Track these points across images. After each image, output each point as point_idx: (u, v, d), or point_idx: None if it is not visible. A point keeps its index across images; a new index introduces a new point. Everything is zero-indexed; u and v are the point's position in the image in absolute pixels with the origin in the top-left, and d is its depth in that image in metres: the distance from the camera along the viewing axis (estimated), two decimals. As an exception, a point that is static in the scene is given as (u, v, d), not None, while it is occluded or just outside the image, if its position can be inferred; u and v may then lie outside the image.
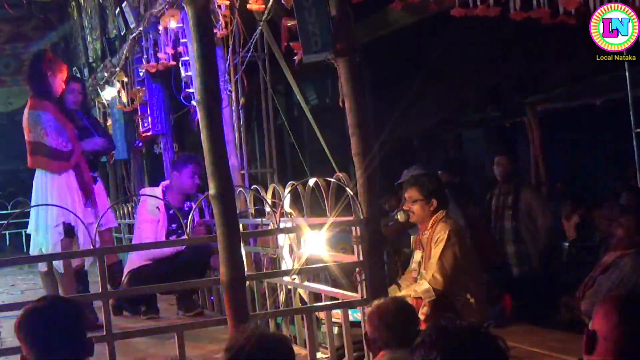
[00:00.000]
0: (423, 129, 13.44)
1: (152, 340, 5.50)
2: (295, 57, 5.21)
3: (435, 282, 5.48)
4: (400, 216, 6.02)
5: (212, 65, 4.13)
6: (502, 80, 11.81)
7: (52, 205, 6.27)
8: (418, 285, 5.57)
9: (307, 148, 11.03)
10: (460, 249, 5.60)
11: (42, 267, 6.61)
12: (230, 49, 7.33)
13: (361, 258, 4.76)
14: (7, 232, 15.42)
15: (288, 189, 5.32)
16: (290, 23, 5.03)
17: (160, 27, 7.69)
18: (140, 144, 10.35)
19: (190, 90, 7.41)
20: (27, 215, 7.13)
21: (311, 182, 5.07)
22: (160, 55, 7.85)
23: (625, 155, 9.59)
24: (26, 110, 6.68)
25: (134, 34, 8.79)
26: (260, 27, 6.94)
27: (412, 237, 6.28)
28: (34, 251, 6.61)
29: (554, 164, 11.03)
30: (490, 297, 6.18)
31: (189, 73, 7.36)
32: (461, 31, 9.80)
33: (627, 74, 6.95)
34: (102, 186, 7.53)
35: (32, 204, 6.64)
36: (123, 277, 7.13)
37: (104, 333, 4.49)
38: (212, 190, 4.07)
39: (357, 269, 4.81)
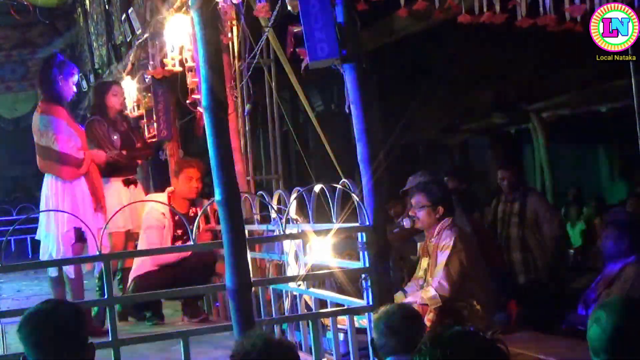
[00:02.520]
0: (428, 135, 13.45)
1: (157, 346, 5.50)
2: (301, 63, 5.21)
3: (442, 289, 5.47)
4: (406, 223, 6.03)
5: (219, 71, 4.13)
6: (508, 87, 11.81)
7: (61, 211, 6.27)
8: (424, 291, 5.56)
9: (313, 154, 11.02)
10: (466, 256, 5.59)
11: (53, 272, 6.59)
12: (236, 55, 7.33)
13: (367, 264, 4.76)
14: (12, 238, 15.41)
15: (294, 195, 5.32)
16: (296, 29, 5.03)
17: (167, 33, 7.69)
18: (146, 150, 10.35)
19: (196, 96, 7.41)
20: (33, 221, 7.12)
21: (317, 188, 5.07)
22: (166, 61, 7.84)
23: (631, 162, 9.60)
24: (36, 114, 6.66)
25: (140, 40, 8.78)
26: (266, 34, 6.94)
27: (419, 244, 6.28)
28: (44, 257, 6.60)
29: (559, 171, 11.02)
30: (496, 304, 6.17)
31: (195, 79, 7.36)
32: (467, 38, 9.80)
33: (632, 80, 6.93)
34: (141, 189, 7.60)
35: (42, 209, 6.63)
36: (128, 283, 7.14)
37: (110, 339, 4.50)
38: (218, 196, 4.06)
39: (363, 276, 4.80)
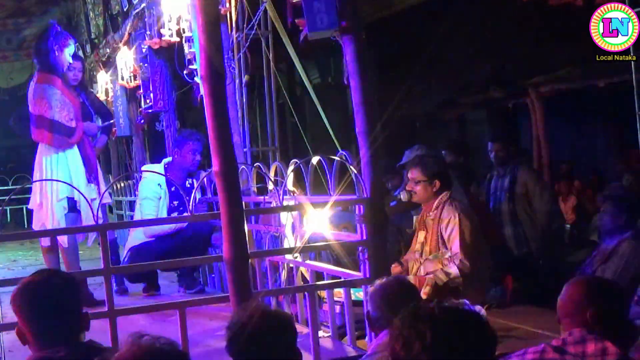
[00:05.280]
0: (426, 109, 13.41)
1: (153, 317, 5.50)
2: (300, 34, 5.18)
3: (464, 266, 5.47)
4: (403, 196, 6.01)
5: (217, 40, 4.10)
6: (506, 61, 11.77)
7: (55, 180, 6.26)
8: (446, 268, 5.53)
9: (309, 127, 11.00)
10: (471, 229, 5.60)
11: (45, 242, 6.59)
12: (233, 26, 7.28)
13: (364, 237, 4.75)
14: (8, 208, 15.42)
15: (291, 167, 5.30)
16: (295, 0, 5.00)
17: (164, 3, 7.63)
18: (142, 121, 10.31)
19: (193, 66, 7.37)
20: (29, 191, 7.10)
21: (314, 160, 5.05)
22: (164, 31, 7.79)
23: (628, 137, 9.57)
24: (32, 84, 6.65)
25: (137, 10, 8.73)
26: (264, 4, 6.90)
27: (415, 218, 6.27)
28: (36, 226, 6.59)
29: (556, 146, 11.01)
30: (492, 278, 6.18)
31: (192, 49, 7.31)
32: (465, 12, 9.75)
33: (634, 81, 6.92)
34: None
35: (35, 179, 6.61)
36: (124, 254, 7.13)
37: (106, 309, 4.49)
38: (215, 167, 4.05)
39: (360, 248, 4.80)
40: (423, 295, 5.27)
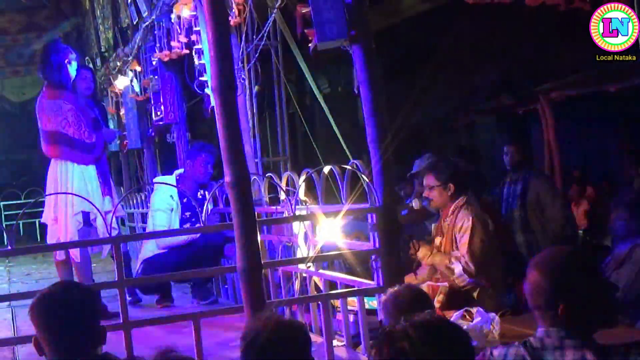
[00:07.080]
0: (435, 116, 13.40)
1: (168, 328, 5.51)
2: (310, 45, 5.19)
3: (469, 268, 5.48)
4: (415, 204, 6.02)
5: (227, 51, 4.11)
6: (515, 67, 11.76)
7: (71, 194, 6.27)
8: (453, 265, 5.55)
9: (320, 136, 11.00)
10: (485, 235, 5.60)
11: (60, 255, 6.60)
12: (243, 36, 7.32)
13: (377, 245, 4.76)
14: (20, 222, 15.46)
15: (303, 177, 5.31)
16: (304, 10, 5.02)
17: (173, 16, 7.67)
18: (153, 133, 10.36)
19: (204, 78, 7.40)
20: (41, 204, 7.12)
21: (326, 169, 5.06)
22: (173, 43, 7.83)
23: (639, 142, 9.56)
24: (43, 100, 6.62)
25: (147, 23, 8.77)
26: (273, 15, 6.93)
27: (433, 225, 6.28)
28: (51, 240, 6.59)
29: (567, 152, 10.98)
30: (506, 284, 6.17)
31: (202, 61, 7.35)
32: (474, 18, 9.74)
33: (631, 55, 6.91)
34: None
35: (48, 192, 6.62)
36: (137, 266, 7.15)
37: (121, 321, 4.50)
38: (228, 178, 4.06)
39: (373, 256, 4.80)
40: (436, 304, 5.27)
